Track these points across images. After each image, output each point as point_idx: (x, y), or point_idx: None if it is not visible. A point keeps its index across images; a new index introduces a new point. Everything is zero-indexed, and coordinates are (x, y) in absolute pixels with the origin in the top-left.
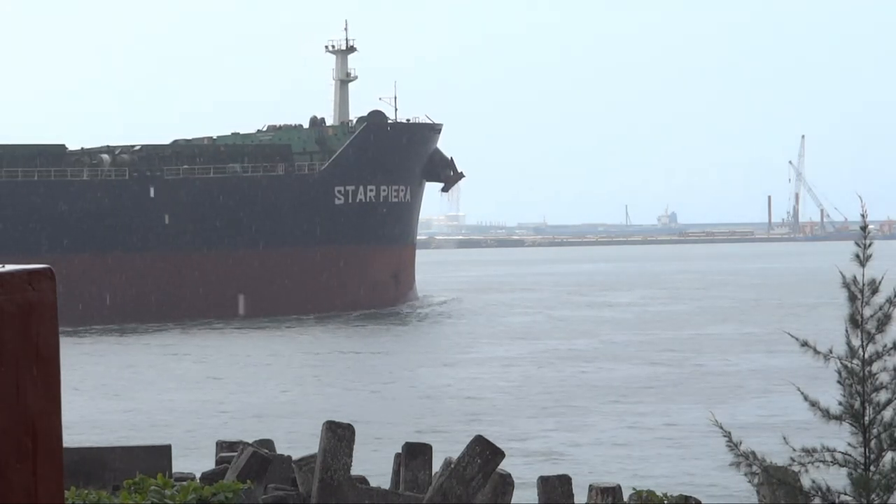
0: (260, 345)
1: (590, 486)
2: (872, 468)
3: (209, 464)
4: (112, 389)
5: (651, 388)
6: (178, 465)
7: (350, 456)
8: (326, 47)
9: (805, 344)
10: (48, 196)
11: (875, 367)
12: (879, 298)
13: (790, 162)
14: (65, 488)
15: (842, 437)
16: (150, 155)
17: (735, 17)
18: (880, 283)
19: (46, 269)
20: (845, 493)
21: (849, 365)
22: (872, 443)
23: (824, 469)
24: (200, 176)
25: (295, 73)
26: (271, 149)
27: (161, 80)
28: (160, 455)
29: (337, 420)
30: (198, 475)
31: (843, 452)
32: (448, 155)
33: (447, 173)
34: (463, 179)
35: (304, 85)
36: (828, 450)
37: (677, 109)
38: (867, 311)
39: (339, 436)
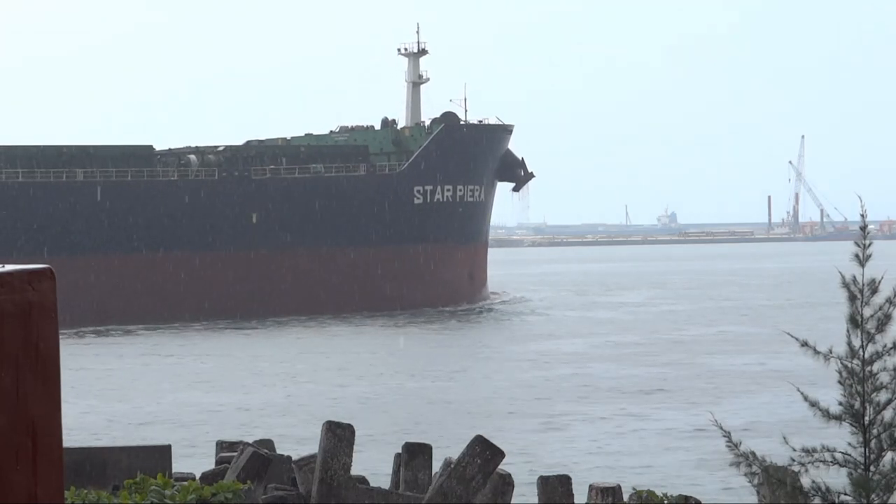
0: (278, 344)
1: (590, 486)
2: (872, 468)
3: (209, 464)
4: (112, 389)
5: (651, 389)
6: (178, 465)
7: (350, 456)
8: (399, 50)
9: (805, 344)
10: (140, 196)
11: (875, 367)
12: (879, 298)
13: (790, 162)
14: (65, 488)
15: (842, 437)
16: (235, 155)
17: (735, 17)
18: (880, 282)
19: (46, 269)
20: (845, 493)
21: (849, 365)
22: (872, 443)
23: (824, 469)
24: (286, 176)
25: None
26: (350, 149)
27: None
28: (160, 455)
29: (337, 420)
30: (198, 475)
31: (843, 452)
32: (519, 155)
33: (518, 173)
34: (533, 179)
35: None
36: (828, 450)
37: (677, 109)
38: (867, 311)
39: (338, 436)
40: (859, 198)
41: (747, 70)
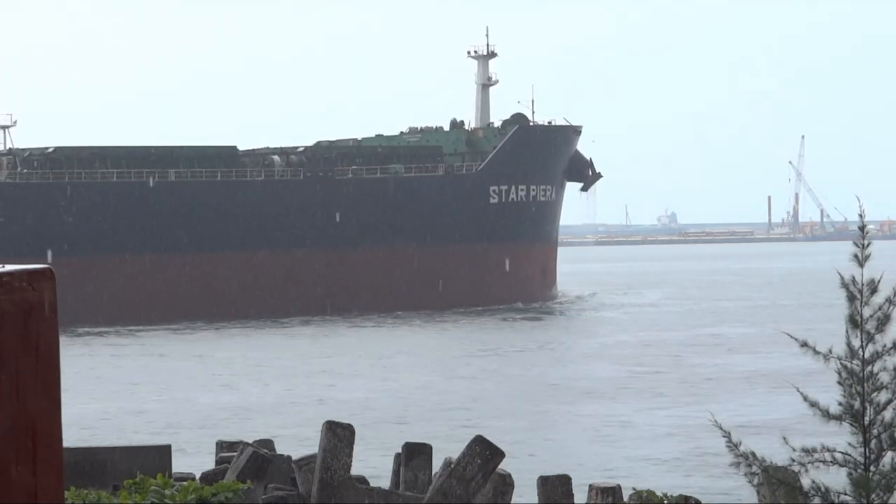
0: (286, 344)
1: (590, 486)
2: (872, 468)
3: (209, 464)
4: (113, 389)
5: (652, 388)
6: (178, 465)
7: (350, 456)
8: (468, 53)
9: (805, 344)
10: (229, 196)
11: (875, 367)
12: (878, 298)
13: (790, 162)
14: (65, 488)
15: (842, 437)
16: (315, 155)
17: (735, 17)
18: (879, 282)
19: (46, 269)
20: (845, 493)
21: (849, 365)
22: (872, 443)
23: (824, 469)
24: (368, 176)
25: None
26: (425, 150)
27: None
28: (160, 455)
29: (337, 420)
30: (198, 475)
31: (843, 452)
32: (587, 156)
33: (586, 173)
34: (601, 179)
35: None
36: (828, 450)
37: (677, 109)
38: (866, 311)
39: (339, 436)
40: (857, 198)
41: (748, 70)
